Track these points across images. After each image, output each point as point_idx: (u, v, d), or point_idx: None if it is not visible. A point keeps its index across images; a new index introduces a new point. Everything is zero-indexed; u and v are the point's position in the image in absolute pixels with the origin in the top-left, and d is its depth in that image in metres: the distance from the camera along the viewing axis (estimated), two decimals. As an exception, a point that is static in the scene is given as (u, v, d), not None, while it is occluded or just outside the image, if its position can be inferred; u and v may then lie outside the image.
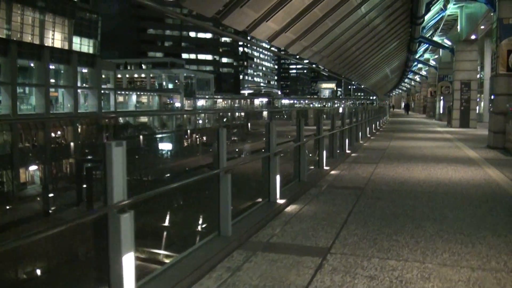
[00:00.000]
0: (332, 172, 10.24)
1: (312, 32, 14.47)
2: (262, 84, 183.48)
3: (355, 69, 29.32)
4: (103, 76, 71.76)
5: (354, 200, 7.21)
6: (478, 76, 32.56)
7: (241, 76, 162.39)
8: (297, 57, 18.60)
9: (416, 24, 22.84)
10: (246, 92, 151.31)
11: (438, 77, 39.74)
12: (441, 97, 39.62)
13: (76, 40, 61.61)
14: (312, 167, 10.38)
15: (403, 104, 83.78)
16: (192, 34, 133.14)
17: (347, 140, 14.09)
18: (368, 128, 21.75)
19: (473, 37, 28.04)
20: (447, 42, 32.36)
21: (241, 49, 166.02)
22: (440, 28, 36.66)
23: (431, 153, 14.08)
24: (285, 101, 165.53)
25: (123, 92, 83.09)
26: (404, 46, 31.69)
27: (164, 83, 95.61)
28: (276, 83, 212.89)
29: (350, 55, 23.69)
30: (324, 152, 10.30)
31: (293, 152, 8.64)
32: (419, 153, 14.26)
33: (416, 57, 43.37)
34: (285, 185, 7.96)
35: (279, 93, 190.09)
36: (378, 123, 29.14)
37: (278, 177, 6.70)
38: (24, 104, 56.48)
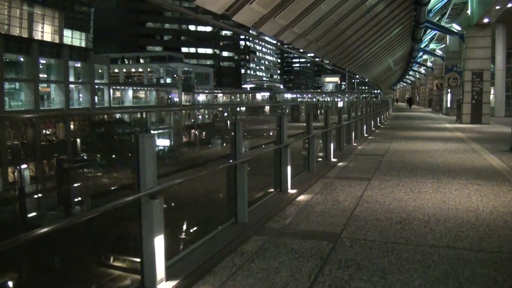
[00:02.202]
0: (300, 197, 7.00)
1: (318, 28, 14.53)
2: (264, 78, 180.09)
3: (357, 61, 26.92)
4: (99, 70, 69.34)
5: (310, 275, 3.98)
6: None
7: (243, 70, 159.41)
8: (300, 50, 18.17)
9: (422, 4, 19.58)
10: (248, 86, 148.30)
11: (445, 68, 36.50)
12: (448, 90, 36.39)
13: (67, 33, 58.84)
14: (272, 190, 7.19)
15: (407, 98, 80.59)
16: (192, 27, 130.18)
17: (332, 145, 10.83)
18: (365, 126, 18.42)
19: (485, 20, 24.64)
20: (456, 28, 29.00)
21: (242, 42, 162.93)
22: (447, 13, 33.29)
23: (443, 161, 10.81)
24: (288, 95, 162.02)
25: (119, 87, 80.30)
26: (408, 33, 28.56)
27: (162, 77, 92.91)
28: (279, 77, 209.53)
29: (353, 47, 22.08)
30: (289, 169, 7.07)
31: (227, 178, 5.47)
32: (427, 160, 11.00)
33: (422, 46, 40.05)
34: (209, 233, 4.78)
35: (281, 87, 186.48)
36: (379, 119, 25.81)
37: (159, 240, 3.50)
38: (13, 100, 54.09)
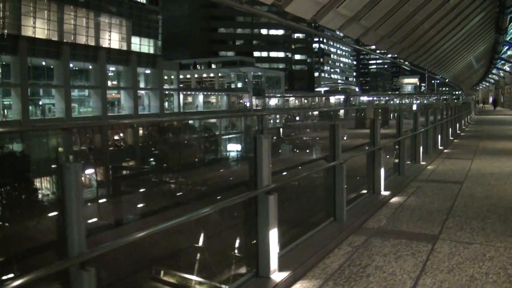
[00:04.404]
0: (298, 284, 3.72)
1: (390, 20, 13.03)
2: (339, 81, 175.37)
3: (435, 58, 24.19)
4: (171, 76, 68.88)
5: None
6: None
7: (316, 74, 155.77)
8: (377, 51, 18.23)
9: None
10: (322, 89, 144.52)
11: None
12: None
13: (135, 40, 58.56)
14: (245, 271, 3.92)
15: (491, 99, 73.86)
16: (264, 31, 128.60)
17: (382, 172, 7.31)
18: (440, 136, 14.57)
19: None
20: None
21: (316, 45, 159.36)
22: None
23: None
24: (364, 98, 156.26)
25: (188, 92, 79.50)
26: (491, 22, 24.45)
27: (233, 82, 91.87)
28: (354, 79, 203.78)
29: (431, 43, 19.37)
30: (272, 235, 3.82)
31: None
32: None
33: (507, 39, 34.92)
34: None
35: (357, 89, 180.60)
36: (459, 124, 21.56)
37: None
38: (83, 107, 55.53)
